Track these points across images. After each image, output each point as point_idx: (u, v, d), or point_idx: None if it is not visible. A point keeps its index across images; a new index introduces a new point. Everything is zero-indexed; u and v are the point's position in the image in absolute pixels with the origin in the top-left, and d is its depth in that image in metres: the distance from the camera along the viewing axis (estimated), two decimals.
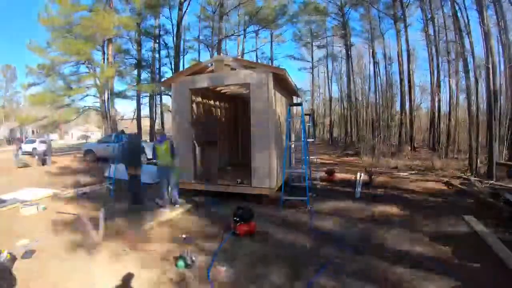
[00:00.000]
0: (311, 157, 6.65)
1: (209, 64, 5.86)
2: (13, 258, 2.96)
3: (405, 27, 17.95)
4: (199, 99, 6.47)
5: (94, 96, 18.72)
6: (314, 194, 5.77)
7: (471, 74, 11.18)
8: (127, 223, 4.20)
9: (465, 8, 11.03)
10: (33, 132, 41.66)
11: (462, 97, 16.52)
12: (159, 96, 22.03)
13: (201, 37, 25.23)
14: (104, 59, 19.28)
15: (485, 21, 8.29)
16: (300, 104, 6.38)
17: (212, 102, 7.19)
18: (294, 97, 8.77)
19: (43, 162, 12.90)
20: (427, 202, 5.38)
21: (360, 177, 6.17)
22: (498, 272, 2.73)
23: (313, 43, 29.15)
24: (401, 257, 3.09)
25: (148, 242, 3.58)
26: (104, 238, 3.59)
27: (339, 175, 8.08)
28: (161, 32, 21.33)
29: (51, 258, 3.13)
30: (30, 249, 3.26)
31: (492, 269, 2.78)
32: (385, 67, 22.34)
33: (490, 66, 8.04)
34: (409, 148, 15.99)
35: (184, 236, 3.68)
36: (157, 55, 22.01)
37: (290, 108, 5.85)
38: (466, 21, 11.07)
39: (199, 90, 6.02)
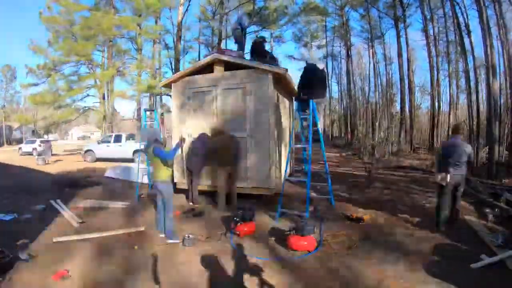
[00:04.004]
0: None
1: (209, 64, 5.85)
2: (14, 258, 2.96)
3: (405, 27, 17.99)
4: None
5: (93, 96, 18.75)
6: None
7: (471, 74, 11.21)
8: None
9: (465, 8, 11.07)
10: (33, 132, 41.74)
11: (462, 97, 16.56)
12: (159, 96, 22.04)
13: (201, 37, 25.28)
14: (104, 59, 19.30)
15: (485, 21, 8.30)
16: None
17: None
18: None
19: (44, 161, 12.92)
20: (427, 202, 5.38)
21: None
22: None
23: (313, 43, 29.19)
24: None
25: None
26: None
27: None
28: (161, 32, 21.35)
29: (50, 257, 3.14)
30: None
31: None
32: (385, 67, 22.39)
33: (490, 66, 8.05)
34: (409, 148, 16.00)
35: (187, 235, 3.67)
36: (157, 55, 22.05)
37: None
38: (466, 21, 11.09)
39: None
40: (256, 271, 2.80)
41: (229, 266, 2.93)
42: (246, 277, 2.73)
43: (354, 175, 8.33)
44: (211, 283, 2.66)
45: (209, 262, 3.01)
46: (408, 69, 17.89)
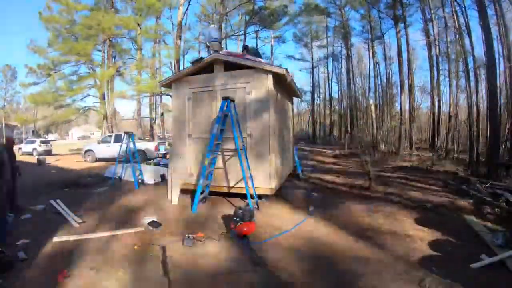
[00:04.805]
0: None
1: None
2: (14, 258, 2.96)
3: (405, 27, 17.99)
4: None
5: (93, 96, 18.75)
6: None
7: (471, 74, 11.20)
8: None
9: (465, 8, 11.07)
10: (33, 132, 41.78)
11: (462, 97, 16.54)
12: (159, 96, 22.05)
13: (201, 37, 25.22)
14: (104, 59, 19.30)
15: (485, 21, 8.30)
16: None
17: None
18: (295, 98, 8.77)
19: (42, 162, 12.91)
20: (428, 202, 5.37)
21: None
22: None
23: (314, 43, 29.21)
24: None
25: None
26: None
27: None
28: (162, 32, 21.35)
29: (50, 257, 3.13)
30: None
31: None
32: (385, 67, 22.39)
33: (490, 66, 8.04)
34: (409, 148, 16.00)
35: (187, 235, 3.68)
36: (157, 55, 22.04)
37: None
38: (466, 21, 11.08)
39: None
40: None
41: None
42: None
43: (351, 173, 8.33)
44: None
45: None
46: (408, 69, 17.89)
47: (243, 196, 5.28)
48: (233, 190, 5.41)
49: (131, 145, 7.29)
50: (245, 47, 6.59)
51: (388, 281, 2.65)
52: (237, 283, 2.66)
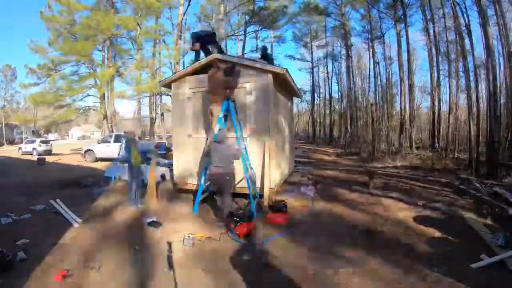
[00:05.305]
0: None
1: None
2: (14, 258, 2.96)
3: (406, 27, 17.96)
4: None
5: (94, 96, 18.76)
6: None
7: (471, 74, 11.20)
8: None
9: (465, 8, 11.07)
10: (33, 132, 41.80)
11: (462, 97, 16.52)
12: (159, 96, 22.05)
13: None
14: (104, 59, 19.29)
15: (485, 21, 8.29)
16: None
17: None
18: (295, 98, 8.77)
19: (42, 162, 12.90)
20: (428, 202, 5.37)
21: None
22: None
23: (313, 43, 29.18)
24: None
25: None
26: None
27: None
28: (161, 32, 21.33)
29: (51, 257, 3.13)
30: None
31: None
32: (385, 67, 22.33)
33: (490, 66, 8.04)
34: (409, 148, 16.00)
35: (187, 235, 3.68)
36: (157, 55, 22.03)
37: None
38: (466, 21, 11.08)
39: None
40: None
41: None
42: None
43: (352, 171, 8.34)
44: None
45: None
46: (408, 69, 17.87)
47: (244, 196, 5.28)
48: (234, 190, 5.40)
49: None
50: (264, 48, 6.69)
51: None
52: (237, 283, 2.67)
